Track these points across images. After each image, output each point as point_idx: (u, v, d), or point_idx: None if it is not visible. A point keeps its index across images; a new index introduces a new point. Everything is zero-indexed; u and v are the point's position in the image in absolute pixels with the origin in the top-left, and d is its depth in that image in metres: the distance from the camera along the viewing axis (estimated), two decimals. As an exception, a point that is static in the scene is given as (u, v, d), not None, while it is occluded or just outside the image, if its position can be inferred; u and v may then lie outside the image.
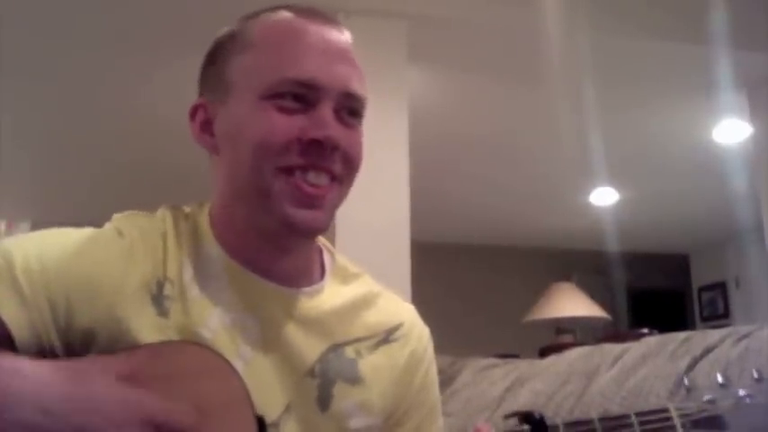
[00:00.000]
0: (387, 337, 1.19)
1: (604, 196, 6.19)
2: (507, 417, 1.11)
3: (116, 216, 1.12)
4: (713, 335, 2.46)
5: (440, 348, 1.36)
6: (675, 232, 7.26)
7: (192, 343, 1.02)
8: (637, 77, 4.06)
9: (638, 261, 7.42)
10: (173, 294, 1.05)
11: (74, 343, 0.99)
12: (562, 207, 6.41)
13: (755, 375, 1.10)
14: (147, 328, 1.01)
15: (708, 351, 2.35)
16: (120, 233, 1.07)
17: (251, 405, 0.99)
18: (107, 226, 1.10)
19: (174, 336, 1.02)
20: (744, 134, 4.45)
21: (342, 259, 1.23)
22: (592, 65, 3.71)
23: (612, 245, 6.53)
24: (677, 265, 8.12)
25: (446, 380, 3.29)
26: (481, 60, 3.84)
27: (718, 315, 7.64)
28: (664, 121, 4.69)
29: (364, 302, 1.20)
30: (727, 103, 4.19)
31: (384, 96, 3.08)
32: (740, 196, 5.15)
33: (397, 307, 1.24)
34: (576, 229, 6.85)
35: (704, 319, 7.81)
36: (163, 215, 1.13)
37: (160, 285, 1.05)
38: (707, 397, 1.10)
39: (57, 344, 0.99)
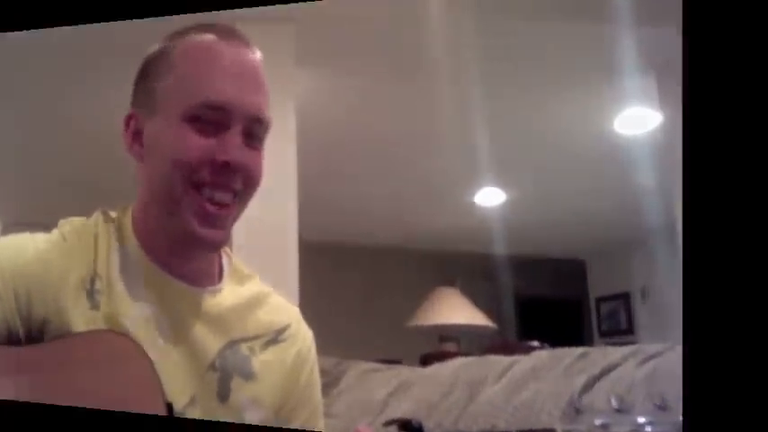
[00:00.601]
0: (276, 336, 1.34)
1: (490, 196, 6.14)
2: (387, 424, 1.22)
3: (61, 222, 1.29)
4: (615, 353, 2.49)
5: (322, 350, 1.50)
6: (570, 236, 7.15)
7: (112, 331, 1.17)
8: (528, 63, 3.92)
9: (527, 266, 7.35)
10: (102, 289, 1.22)
11: (33, 329, 1.17)
12: (446, 207, 6.39)
13: (658, 402, 1.03)
14: (81, 320, 1.18)
15: (608, 370, 2.35)
16: (63, 237, 1.25)
17: (162, 392, 1.13)
18: (54, 231, 1.27)
19: (102, 326, 1.19)
20: (651, 123, 4.32)
21: (237, 261, 1.39)
22: (477, 55, 3.62)
23: (500, 248, 6.44)
24: (571, 271, 7.98)
25: (331, 381, 3.50)
26: (366, 60, 3.87)
27: (620, 330, 7.47)
28: (558, 112, 4.52)
29: (257, 301, 1.35)
30: (632, 89, 4.03)
31: (272, 100, 2.99)
32: (647, 195, 4.89)
33: (285, 308, 1.40)
34: (460, 230, 6.77)
35: (603, 334, 7.65)
36: (96, 219, 1.30)
37: (92, 281, 1.22)
38: (599, 421, 1.03)
39: (21, 330, 1.16)
